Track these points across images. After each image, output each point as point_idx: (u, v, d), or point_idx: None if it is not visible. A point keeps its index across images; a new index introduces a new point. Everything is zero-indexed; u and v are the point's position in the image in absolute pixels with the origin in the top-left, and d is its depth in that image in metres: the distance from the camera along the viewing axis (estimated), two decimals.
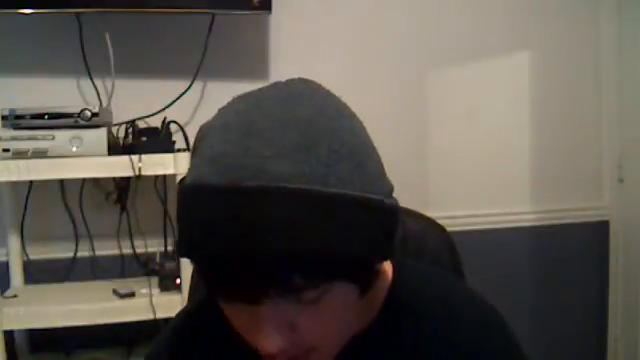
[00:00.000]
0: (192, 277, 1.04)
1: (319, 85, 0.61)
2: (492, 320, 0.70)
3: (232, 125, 0.55)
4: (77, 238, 1.85)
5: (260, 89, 0.59)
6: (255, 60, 1.94)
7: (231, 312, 0.58)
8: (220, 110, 0.59)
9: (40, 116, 1.54)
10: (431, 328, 0.67)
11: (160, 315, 1.57)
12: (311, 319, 0.56)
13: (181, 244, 0.56)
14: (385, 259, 0.61)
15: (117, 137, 1.74)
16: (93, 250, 1.86)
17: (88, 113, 1.55)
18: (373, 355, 0.66)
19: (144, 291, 1.63)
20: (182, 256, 0.57)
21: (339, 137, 0.55)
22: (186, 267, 1.59)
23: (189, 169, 0.58)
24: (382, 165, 0.60)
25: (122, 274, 1.86)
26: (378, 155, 0.60)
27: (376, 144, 0.61)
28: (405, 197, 0.67)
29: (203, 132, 0.58)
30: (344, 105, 0.60)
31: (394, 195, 0.60)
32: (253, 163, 0.52)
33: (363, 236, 0.54)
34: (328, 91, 0.60)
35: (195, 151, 0.58)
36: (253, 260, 0.51)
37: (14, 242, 1.76)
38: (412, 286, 0.70)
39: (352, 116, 0.59)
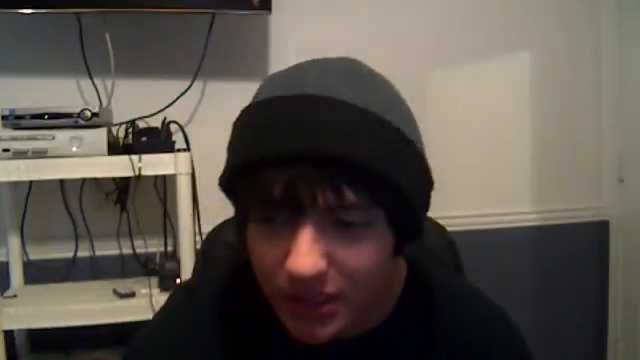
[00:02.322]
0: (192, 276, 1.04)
1: None
2: (503, 318, 0.73)
3: (299, 65, 0.60)
4: (77, 238, 1.85)
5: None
6: (255, 60, 1.94)
7: (267, 236, 0.57)
8: None
9: (40, 116, 1.54)
10: (443, 324, 0.68)
11: None
12: (348, 254, 0.55)
13: (241, 151, 0.57)
14: (419, 227, 0.62)
15: (117, 137, 1.74)
16: (93, 250, 1.86)
17: (88, 113, 1.55)
18: (386, 350, 0.67)
19: (144, 291, 1.63)
20: (235, 166, 0.57)
21: (396, 94, 0.61)
22: (186, 267, 1.59)
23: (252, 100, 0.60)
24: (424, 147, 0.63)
25: (122, 274, 1.86)
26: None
27: None
28: None
29: (268, 76, 0.62)
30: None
31: None
32: (321, 83, 0.55)
33: (411, 177, 0.57)
34: None
35: (258, 89, 0.61)
36: (311, 160, 0.52)
37: (14, 242, 1.75)
38: (424, 284, 0.71)
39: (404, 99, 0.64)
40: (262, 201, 0.55)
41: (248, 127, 0.57)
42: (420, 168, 0.60)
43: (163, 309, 0.74)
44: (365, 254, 0.56)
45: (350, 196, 0.53)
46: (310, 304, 0.56)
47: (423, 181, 0.60)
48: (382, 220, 0.57)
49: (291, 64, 0.62)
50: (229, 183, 0.60)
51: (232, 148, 0.59)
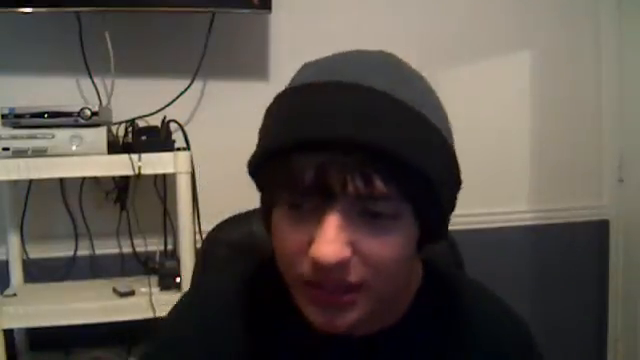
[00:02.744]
0: (192, 276, 1.04)
1: None
2: (518, 321, 0.74)
3: (333, 56, 0.61)
4: (77, 237, 1.85)
5: None
6: (255, 60, 1.94)
7: (294, 221, 0.57)
8: None
9: (40, 115, 1.54)
10: (459, 324, 0.69)
11: (160, 314, 1.56)
12: (373, 244, 0.55)
13: (272, 136, 0.57)
14: (444, 226, 0.63)
15: (117, 136, 1.74)
16: (93, 249, 1.86)
17: (88, 112, 1.55)
18: (401, 348, 0.67)
19: (144, 290, 1.63)
20: (263, 155, 0.58)
21: (429, 88, 0.62)
22: (186, 266, 1.59)
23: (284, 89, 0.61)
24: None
25: (122, 273, 1.86)
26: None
27: None
28: None
29: (304, 64, 0.62)
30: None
31: None
32: (354, 72, 0.56)
33: (442, 172, 0.58)
34: None
35: (294, 77, 0.61)
36: (341, 147, 0.52)
37: (14, 241, 1.76)
38: (441, 284, 0.71)
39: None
40: (291, 186, 0.55)
41: (280, 113, 0.58)
42: (449, 163, 0.60)
43: (177, 307, 0.74)
44: (390, 246, 0.56)
45: (379, 185, 0.53)
46: (331, 291, 0.56)
47: (452, 177, 0.61)
48: (409, 214, 0.57)
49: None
50: (258, 168, 0.60)
51: (264, 133, 0.59)
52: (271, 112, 0.59)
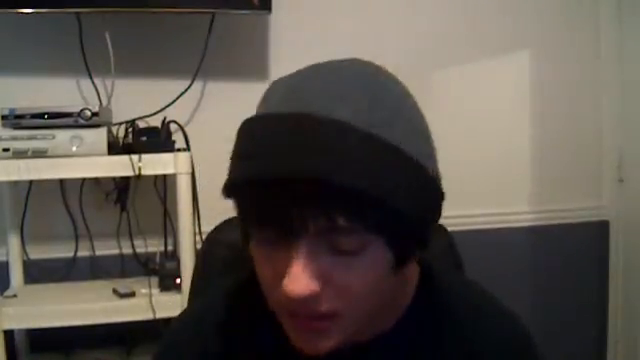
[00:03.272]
0: (192, 277, 1.04)
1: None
2: (517, 326, 0.72)
3: (302, 73, 0.59)
4: (77, 238, 1.85)
5: (339, 59, 0.62)
6: (255, 60, 1.94)
7: (265, 256, 0.58)
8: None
9: (40, 116, 1.54)
10: (454, 335, 0.68)
11: (160, 315, 1.57)
12: (344, 274, 0.55)
13: (235, 168, 0.57)
14: (422, 240, 0.60)
15: (117, 137, 1.74)
16: (93, 250, 1.86)
17: (88, 113, 1.55)
18: (394, 354, 0.67)
19: (144, 291, 1.63)
20: (233, 183, 0.57)
21: (402, 102, 0.58)
22: (186, 267, 1.59)
23: (257, 110, 0.60)
24: (434, 150, 0.61)
25: (122, 274, 1.86)
26: (432, 140, 0.61)
27: None
28: None
29: (274, 81, 0.61)
30: (406, 89, 0.63)
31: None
32: (318, 100, 0.54)
33: (413, 198, 0.55)
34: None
35: (262, 98, 0.60)
36: (302, 185, 0.51)
37: (14, 242, 1.76)
38: (437, 293, 0.70)
39: (412, 97, 0.62)
40: (255, 223, 0.56)
41: (243, 144, 0.57)
42: (423, 188, 0.57)
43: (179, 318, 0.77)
44: (360, 276, 0.56)
45: (342, 222, 0.52)
46: (305, 319, 0.57)
47: (427, 201, 0.58)
48: (379, 242, 0.56)
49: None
50: (229, 197, 0.60)
51: (231, 162, 0.59)
52: (236, 141, 0.59)
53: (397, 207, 0.54)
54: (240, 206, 0.58)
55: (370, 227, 0.54)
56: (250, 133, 0.57)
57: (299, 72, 0.59)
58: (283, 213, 0.53)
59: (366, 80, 0.57)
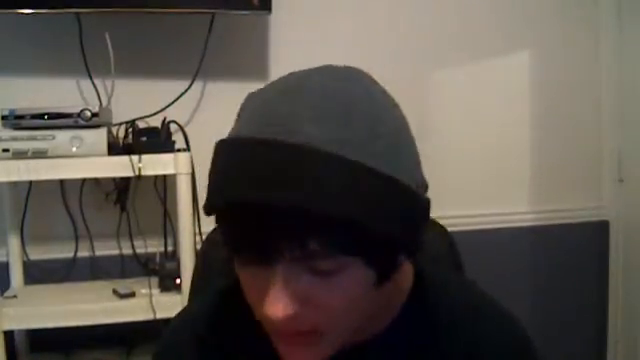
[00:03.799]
0: (192, 277, 1.04)
1: (369, 75, 0.62)
2: (514, 328, 0.71)
3: (277, 87, 0.57)
4: (77, 238, 1.85)
5: (313, 68, 0.61)
6: (255, 60, 1.94)
7: (247, 276, 0.58)
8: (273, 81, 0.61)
9: (40, 116, 1.54)
10: (451, 335, 0.67)
11: (160, 315, 1.57)
12: (323, 294, 0.55)
13: (209, 194, 0.57)
14: (408, 253, 0.60)
15: (117, 137, 1.74)
16: (93, 250, 1.86)
17: (88, 113, 1.55)
18: (393, 353, 0.67)
19: (144, 291, 1.63)
20: (208, 207, 0.57)
21: (379, 118, 0.55)
22: (186, 267, 1.59)
23: (230, 130, 0.60)
24: (418, 159, 0.60)
25: (122, 274, 1.86)
26: (416, 148, 0.60)
27: None
28: None
29: (248, 95, 0.60)
30: (390, 96, 0.61)
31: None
32: (289, 122, 0.53)
33: (388, 217, 0.54)
34: (377, 82, 0.62)
35: (237, 114, 0.60)
36: (271, 212, 0.51)
37: (14, 242, 1.75)
38: (432, 292, 0.70)
39: (396, 106, 0.60)
40: (232, 247, 0.57)
41: (218, 167, 0.57)
42: (403, 201, 0.55)
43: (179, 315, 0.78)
44: (339, 295, 0.56)
45: (316, 247, 0.52)
46: (289, 335, 0.57)
47: (407, 212, 0.56)
48: (359, 262, 0.55)
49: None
50: (209, 215, 0.60)
51: (208, 183, 0.59)
52: (211, 164, 0.59)
53: (373, 229, 0.53)
54: (219, 227, 0.59)
55: (346, 251, 0.54)
56: (223, 157, 0.57)
57: (272, 86, 0.59)
58: (257, 241, 0.53)
59: (337, 97, 0.55)
